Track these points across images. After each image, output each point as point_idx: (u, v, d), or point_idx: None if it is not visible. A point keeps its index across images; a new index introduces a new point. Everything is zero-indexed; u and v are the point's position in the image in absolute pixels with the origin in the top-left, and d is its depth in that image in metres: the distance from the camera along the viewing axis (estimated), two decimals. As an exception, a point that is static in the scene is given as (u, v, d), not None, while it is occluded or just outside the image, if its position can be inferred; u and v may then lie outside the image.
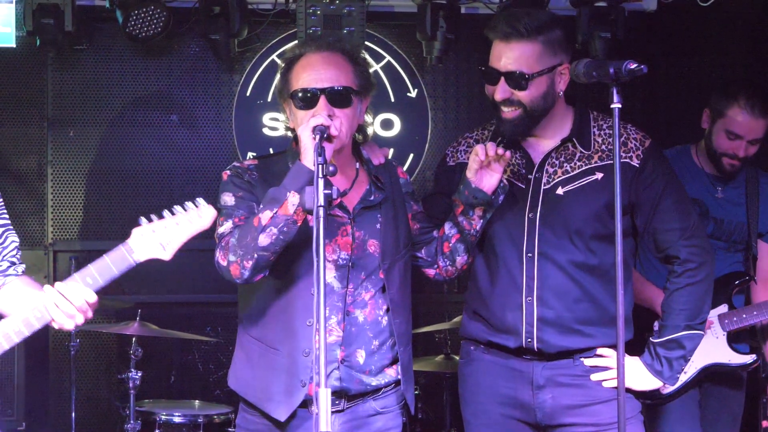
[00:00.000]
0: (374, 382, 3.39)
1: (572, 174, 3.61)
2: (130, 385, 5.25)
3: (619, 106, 3.15)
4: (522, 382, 3.64)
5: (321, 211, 2.94)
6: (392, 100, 6.48)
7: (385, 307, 3.42)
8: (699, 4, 5.79)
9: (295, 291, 3.32)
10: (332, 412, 3.03)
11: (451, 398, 5.78)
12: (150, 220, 3.16)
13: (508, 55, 3.52)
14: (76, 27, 5.88)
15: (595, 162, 3.61)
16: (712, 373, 4.51)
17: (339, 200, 3.24)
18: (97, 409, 6.25)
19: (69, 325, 3.11)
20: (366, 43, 6.01)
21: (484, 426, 3.72)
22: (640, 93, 6.32)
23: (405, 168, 6.46)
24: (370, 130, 3.55)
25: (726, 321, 4.49)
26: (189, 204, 3.18)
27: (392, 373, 3.44)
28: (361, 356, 3.36)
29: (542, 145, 3.67)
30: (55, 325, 3.13)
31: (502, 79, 3.53)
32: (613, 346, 3.54)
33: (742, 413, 4.75)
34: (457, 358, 5.73)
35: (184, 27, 6.16)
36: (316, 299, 2.90)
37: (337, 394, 3.32)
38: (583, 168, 3.61)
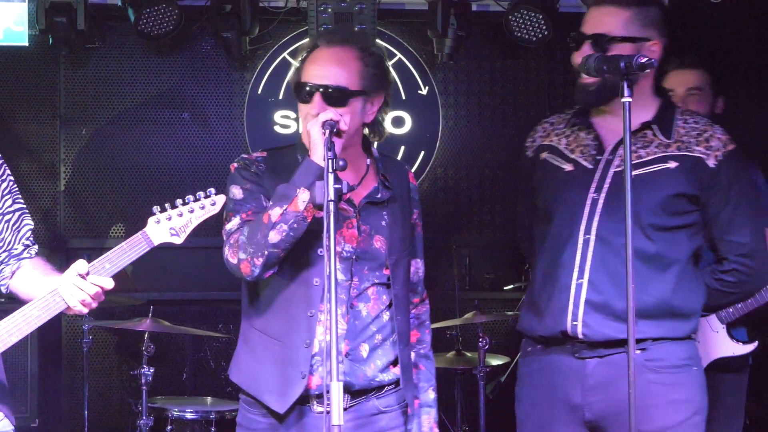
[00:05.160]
0: (378, 377, 3.38)
1: (646, 159, 3.50)
2: (143, 381, 5.27)
3: (630, 100, 3.12)
4: (574, 382, 3.52)
5: (331, 206, 2.94)
6: (403, 97, 6.49)
7: (387, 303, 3.41)
8: (710, 1, 5.79)
9: (297, 282, 3.31)
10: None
11: (463, 395, 5.79)
12: (163, 209, 3.34)
13: (596, 19, 3.48)
14: (88, 25, 5.93)
15: (672, 151, 3.51)
16: (714, 366, 4.43)
17: (348, 195, 3.23)
18: (109, 405, 6.29)
19: (84, 311, 3.27)
20: (377, 40, 6.02)
21: (536, 427, 3.63)
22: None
23: (416, 165, 6.49)
24: (386, 129, 3.50)
25: (723, 314, 4.42)
26: (201, 193, 3.36)
27: (396, 371, 3.43)
28: (364, 350, 3.35)
29: (619, 126, 3.41)
30: (74, 311, 3.28)
31: (587, 42, 3.47)
32: (668, 339, 3.49)
33: (744, 399, 4.64)
34: (468, 354, 5.77)
35: (196, 25, 6.19)
36: (326, 294, 2.91)
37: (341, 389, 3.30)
38: (658, 155, 3.50)
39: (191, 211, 3.35)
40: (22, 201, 3.51)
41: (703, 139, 3.52)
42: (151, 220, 3.33)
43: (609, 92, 3.48)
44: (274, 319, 3.35)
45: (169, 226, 3.33)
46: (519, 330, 3.73)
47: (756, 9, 6.22)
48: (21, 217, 3.48)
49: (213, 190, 3.37)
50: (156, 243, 3.32)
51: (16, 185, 3.50)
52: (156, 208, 3.32)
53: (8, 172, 3.50)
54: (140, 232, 3.32)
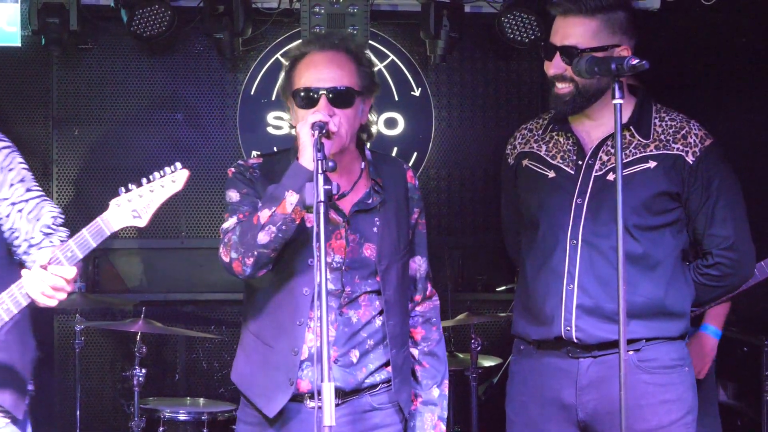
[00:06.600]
0: (369, 380, 3.38)
1: (625, 161, 3.49)
2: (135, 382, 5.27)
3: (621, 101, 3.12)
4: (566, 381, 3.54)
5: (321, 207, 2.95)
6: (396, 98, 6.50)
7: (380, 309, 3.40)
8: (702, 3, 5.80)
9: (287, 290, 3.33)
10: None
11: (455, 396, 5.78)
12: (128, 189, 3.29)
13: (565, 30, 3.51)
14: (81, 26, 5.92)
15: (651, 150, 3.53)
16: None
17: (337, 196, 3.23)
18: (101, 406, 6.28)
19: (51, 304, 3.24)
20: (370, 42, 6.03)
21: (526, 425, 3.65)
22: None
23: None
24: (374, 129, 3.54)
25: None
26: (167, 168, 3.30)
27: (389, 370, 3.42)
28: (354, 356, 3.36)
29: (596, 130, 3.58)
30: (39, 304, 3.26)
31: (557, 53, 3.50)
32: (660, 339, 3.50)
33: (715, 394, 4.66)
34: (461, 355, 5.78)
35: (189, 26, 6.19)
36: (317, 291, 2.92)
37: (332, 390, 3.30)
38: (638, 155, 3.52)
39: (152, 191, 3.29)
40: (39, 188, 3.49)
41: (681, 136, 3.54)
42: (112, 203, 3.28)
43: (582, 101, 3.53)
44: (265, 324, 3.38)
45: (131, 208, 3.28)
46: (513, 334, 3.75)
47: (749, 10, 6.24)
48: (39, 205, 3.47)
49: (179, 165, 3.31)
50: (116, 228, 3.28)
51: (30, 173, 3.48)
52: (121, 189, 3.28)
53: (18, 159, 3.47)
54: (98, 217, 3.28)
